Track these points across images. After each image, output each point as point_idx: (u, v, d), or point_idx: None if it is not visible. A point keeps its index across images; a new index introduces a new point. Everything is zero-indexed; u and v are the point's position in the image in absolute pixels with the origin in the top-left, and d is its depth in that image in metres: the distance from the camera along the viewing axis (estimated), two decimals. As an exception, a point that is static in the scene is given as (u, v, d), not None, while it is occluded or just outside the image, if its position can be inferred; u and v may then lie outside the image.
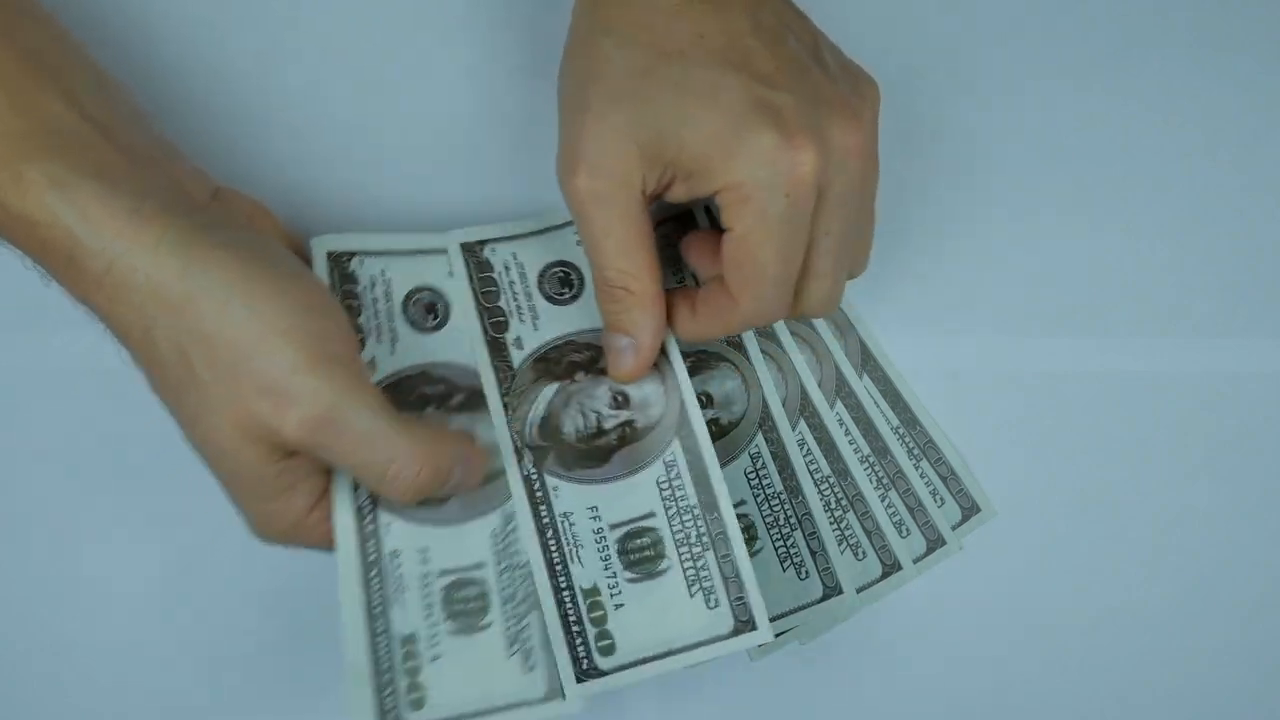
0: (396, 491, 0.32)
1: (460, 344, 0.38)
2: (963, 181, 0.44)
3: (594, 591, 0.36)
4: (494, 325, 0.39)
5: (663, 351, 0.38)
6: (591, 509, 0.37)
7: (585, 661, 0.35)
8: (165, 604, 0.41)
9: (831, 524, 0.42)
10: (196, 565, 0.41)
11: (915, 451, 0.43)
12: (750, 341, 0.43)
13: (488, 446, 0.37)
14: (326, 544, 0.34)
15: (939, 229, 0.44)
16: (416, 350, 0.38)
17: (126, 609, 0.41)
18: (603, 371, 0.38)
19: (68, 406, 0.41)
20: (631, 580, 0.36)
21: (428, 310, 0.38)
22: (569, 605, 0.36)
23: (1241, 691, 0.43)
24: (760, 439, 0.40)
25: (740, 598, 0.36)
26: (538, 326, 0.39)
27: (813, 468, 0.42)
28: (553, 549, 0.36)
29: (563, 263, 0.40)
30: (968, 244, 0.44)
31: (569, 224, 0.41)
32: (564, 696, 0.34)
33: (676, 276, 0.41)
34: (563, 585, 0.36)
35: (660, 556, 0.36)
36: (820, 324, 0.43)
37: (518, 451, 0.37)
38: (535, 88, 0.42)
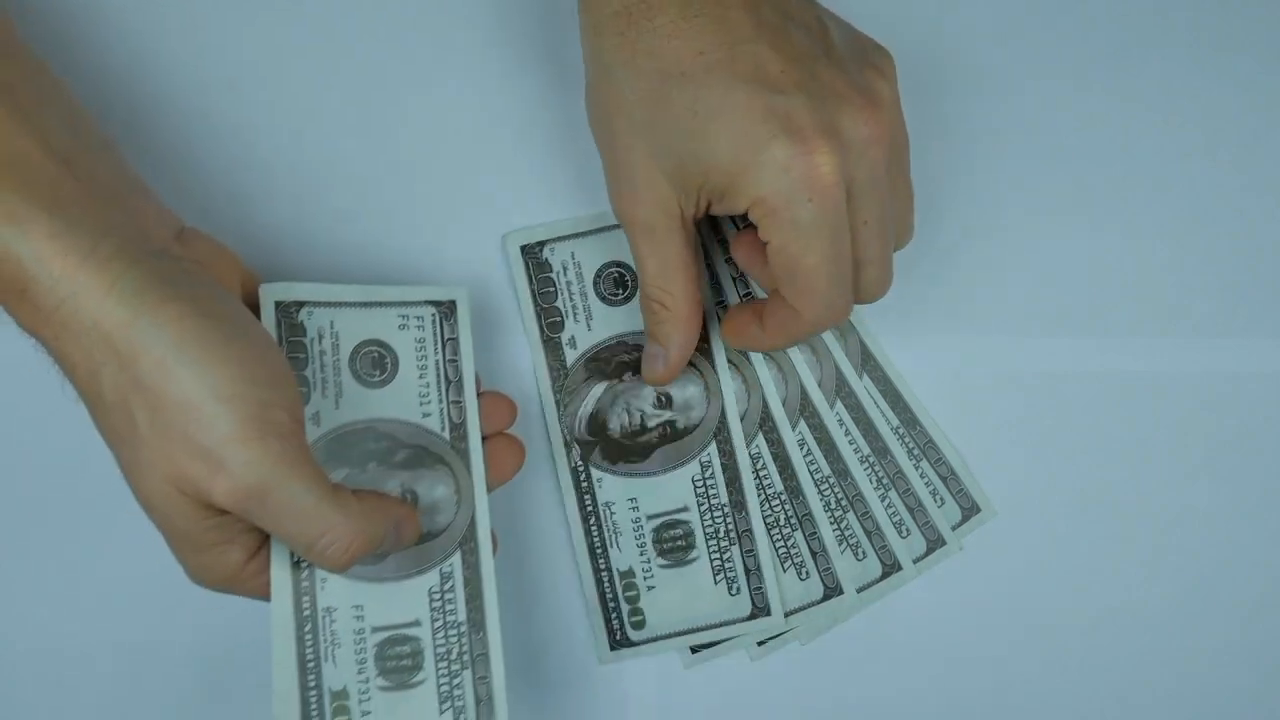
0: (327, 562, 0.32)
1: (408, 399, 0.38)
2: (963, 182, 0.44)
3: (629, 574, 0.40)
4: (550, 325, 0.42)
5: (710, 360, 0.42)
6: (631, 500, 0.41)
7: (619, 633, 0.40)
8: (166, 602, 0.41)
9: (832, 524, 0.42)
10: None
11: (915, 451, 0.43)
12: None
13: (427, 505, 0.37)
14: (263, 595, 0.34)
15: (939, 229, 0.44)
16: (362, 405, 0.37)
17: (127, 608, 0.41)
18: None
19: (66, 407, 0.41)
20: (664, 566, 0.40)
21: (375, 364, 0.38)
22: (606, 585, 0.40)
23: (1241, 691, 0.43)
24: (713, 448, 0.41)
25: (759, 588, 0.40)
26: (591, 327, 0.41)
27: (813, 468, 0.42)
28: (594, 534, 0.41)
29: (618, 263, 0.42)
30: (968, 244, 0.44)
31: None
32: None
33: (744, 292, 0.43)
34: (602, 567, 0.41)
35: (691, 547, 0.40)
36: (820, 324, 0.44)
37: (566, 445, 0.41)
38: (513, 130, 0.43)
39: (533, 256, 0.42)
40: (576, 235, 0.42)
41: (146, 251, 0.31)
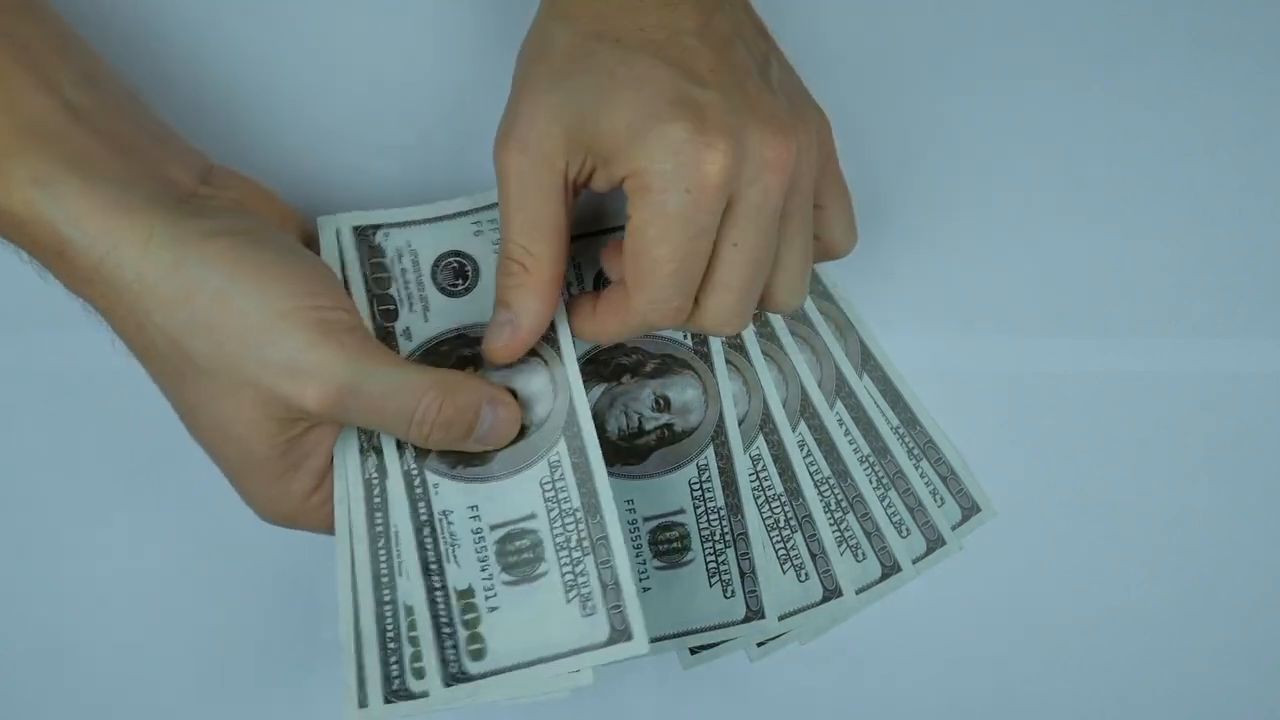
0: (426, 432, 0.33)
1: (493, 302, 0.38)
2: (963, 181, 0.44)
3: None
4: (383, 314, 0.39)
5: (709, 364, 0.41)
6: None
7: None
8: (165, 603, 0.41)
9: (831, 525, 0.42)
10: (196, 564, 0.41)
11: (915, 451, 0.43)
12: (751, 342, 0.43)
13: (526, 399, 0.37)
14: (326, 527, 0.35)
15: (939, 229, 0.44)
16: (450, 314, 0.38)
17: (127, 608, 0.41)
18: (648, 375, 0.41)
19: (66, 407, 0.41)
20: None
21: (457, 274, 0.38)
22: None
23: (1241, 691, 0.43)
24: (710, 452, 0.41)
25: (754, 591, 0.40)
26: (428, 319, 0.40)
27: (813, 469, 0.42)
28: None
29: (459, 253, 0.40)
30: (968, 244, 0.44)
31: (469, 212, 0.40)
32: (630, 638, 0.35)
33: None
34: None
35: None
36: (820, 324, 0.43)
37: None
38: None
39: (365, 239, 0.40)
40: (413, 223, 0.40)
41: (175, 197, 0.32)
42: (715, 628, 0.40)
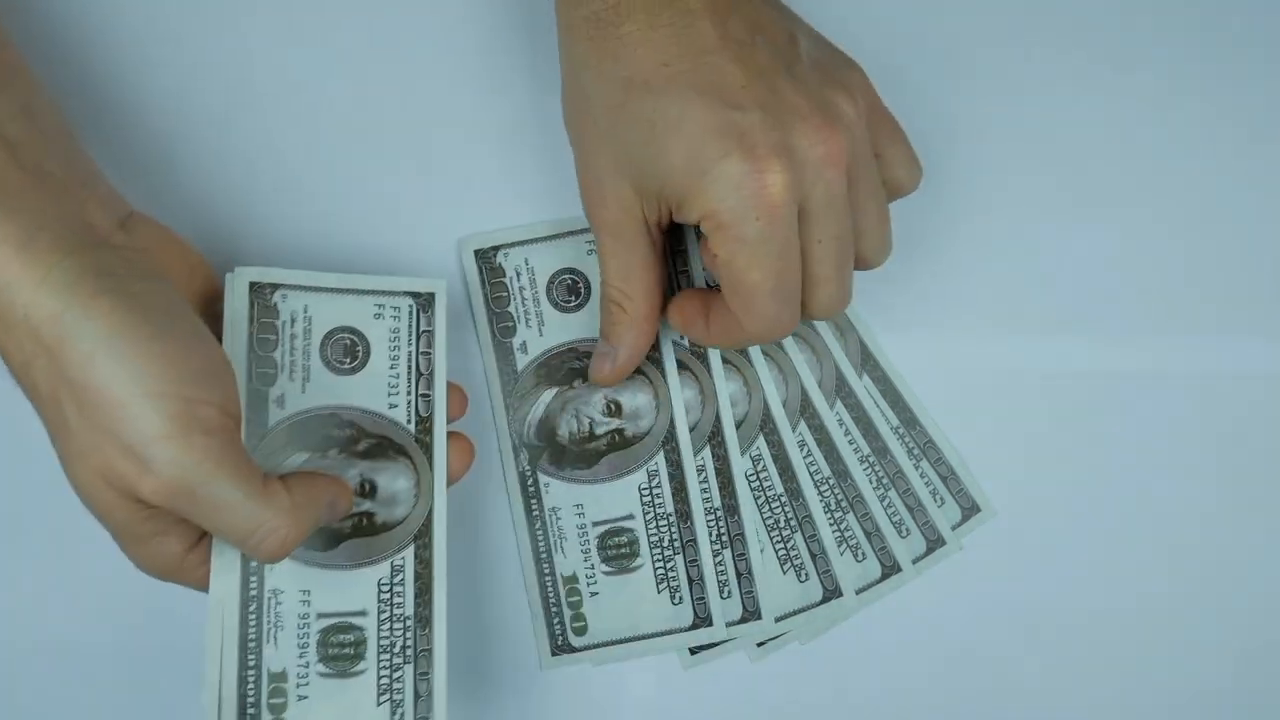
0: (261, 556, 0.32)
1: (376, 388, 0.38)
2: (962, 181, 0.44)
3: (573, 579, 0.41)
4: (502, 330, 0.42)
5: (661, 369, 0.41)
6: (578, 506, 0.41)
7: (561, 639, 0.40)
8: (165, 601, 0.41)
9: (831, 525, 0.42)
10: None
11: (915, 451, 0.43)
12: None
13: (386, 497, 0.37)
14: (205, 586, 0.35)
15: (939, 229, 0.44)
16: (329, 391, 0.37)
17: (127, 607, 0.41)
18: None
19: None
20: (607, 573, 0.40)
21: (346, 352, 0.38)
22: (550, 590, 0.41)
23: (1241, 691, 0.43)
24: (660, 458, 0.41)
25: (701, 598, 0.40)
26: (543, 333, 0.41)
27: (813, 469, 0.42)
28: (540, 539, 0.41)
29: (572, 270, 0.42)
30: (968, 244, 0.44)
31: (580, 231, 0.42)
32: None
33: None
34: (546, 572, 0.41)
35: (635, 555, 0.40)
36: (820, 324, 0.43)
37: (515, 449, 0.41)
38: (471, 126, 0.43)
39: (486, 261, 0.42)
40: (531, 241, 0.42)
41: (85, 243, 0.31)
42: (662, 634, 0.40)
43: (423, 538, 0.37)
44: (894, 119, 0.38)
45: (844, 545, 0.42)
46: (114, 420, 0.30)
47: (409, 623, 0.36)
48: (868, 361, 0.44)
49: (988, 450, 0.43)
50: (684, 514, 0.41)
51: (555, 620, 0.40)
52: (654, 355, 0.41)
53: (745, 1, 0.35)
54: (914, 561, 0.42)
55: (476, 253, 0.42)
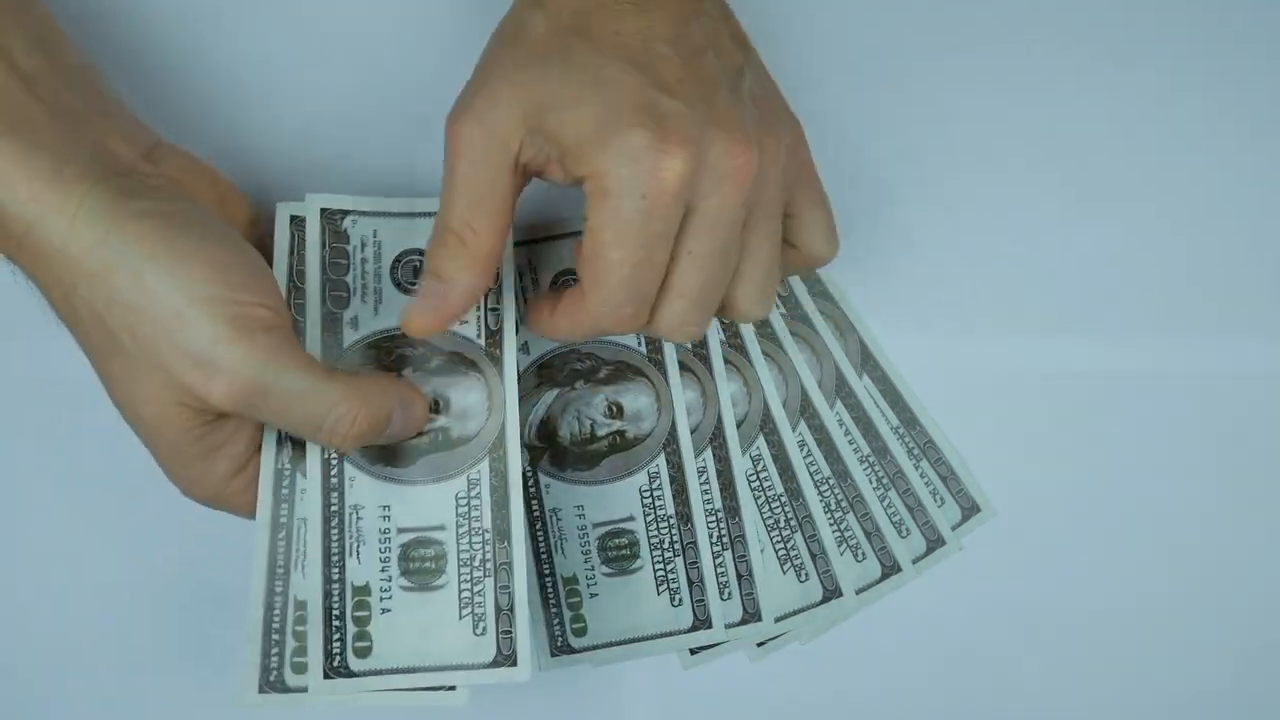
0: (336, 441, 0.33)
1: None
2: (962, 181, 0.44)
3: (573, 580, 0.40)
4: (334, 300, 0.39)
5: (663, 372, 0.41)
6: (578, 507, 0.41)
7: (561, 639, 0.40)
8: (165, 602, 0.41)
9: (831, 525, 0.42)
10: (196, 564, 0.41)
11: (915, 451, 0.43)
12: (751, 342, 0.43)
13: (459, 411, 0.37)
14: (248, 511, 0.35)
15: (939, 229, 0.44)
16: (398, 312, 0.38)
17: (125, 607, 0.41)
18: (601, 382, 0.41)
19: (65, 411, 0.41)
20: (608, 574, 0.40)
21: (417, 273, 0.38)
22: (550, 591, 0.40)
23: (1241, 691, 0.43)
24: (662, 460, 0.41)
25: (701, 600, 0.40)
26: (379, 311, 0.39)
27: (813, 469, 0.42)
28: (540, 540, 0.40)
29: (420, 252, 0.40)
30: (968, 244, 0.44)
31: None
32: (515, 664, 0.35)
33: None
34: (546, 573, 0.40)
35: (635, 556, 0.40)
36: (820, 324, 0.43)
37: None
38: None
39: (331, 223, 0.40)
40: (383, 214, 0.40)
41: (112, 171, 0.32)
42: (662, 636, 0.40)
43: (497, 450, 0.37)
44: (822, 188, 0.37)
45: (844, 545, 0.42)
46: (174, 333, 0.30)
47: (487, 536, 0.36)
48: (868, 361, 0.44)
49: (988, 450, 0.43)
50: (685, 516, 0.41)
51: (555, 621, 0.40)
52: (656, 357, 0.41)
53: (711, 19, 0.35)
54: (914, 561, 0.42)
55: (323, 211, 0.39)
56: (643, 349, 0.42)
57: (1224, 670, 0.43)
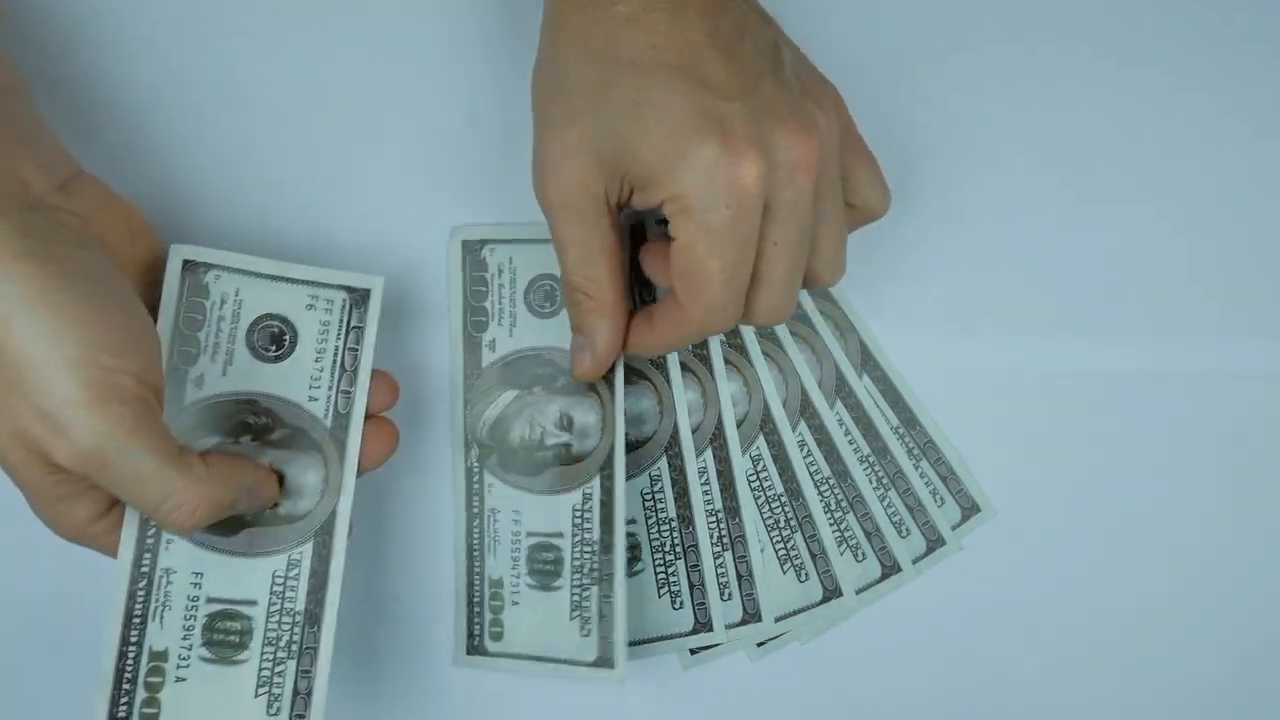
0: (172, 526, 0.32)
1: (299, 379, 0.37)
2: (962, 181, 0.44)
3: (499, 584, 0.40)
4: (475, 324, 0.41)
5: (612, 391, 0.40)
6: (516, 512, 0.40)
7: (477, 640, 0.40)
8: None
9: (831, 525, 0.42)
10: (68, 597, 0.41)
11: (915, 451, 0.43)
12: (751, 342, 0.43)
13: (294, 489, 0.37)
14: (113, 552, 0.35)
15: (939, 228, 0.44)
16: (250, 378, 0.37)
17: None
18: (558, 391, 0.41)
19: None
20: (531, 586, 0.40)
21: (273, 339, 0.37)
22: (476, 589, 0.40)
23: (1241, 691, 0.43)
24: (595, 483, 0.40)
25: (702, 602, 0.40)
26: (513, 334, 0.41)
27: (813, 469, 0.42)
28: (475, 537, 0.41)
29: (552, 277, 0.41)
30: (968, 244, 0.44)
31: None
32: None
33: (648, 297, 0.42)
34: (476, 570, 0.40)
35: (558, 574, 0.40)
36: (820, 324, 0.43)
37: (466, 444, 0.41)
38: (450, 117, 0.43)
39: (471, 253, 0.42)
40: (519, 241, 0.42)
41: (18, 204, 0.31)
42: (564, 662, 0.39)
43: (324, 534, 0.36)
44: (865, 144, 0.38)
45: (844, 545, 0.42)
46: (29, 384, 0.30)
47: (298, 618, 0.36)
48: (868, 361, 0.44)
49: (988, 450, 0.43)
50: (686, 518, 0.41)
51: (475, 620, 0.40)
52: (658, 360, 0.41)
53: (736, 3, 0.35)
54: (914, 561, 0.42)
55: (464, 244, 0.42)
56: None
57: (1224, 670, 0.43)
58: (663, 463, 0.41)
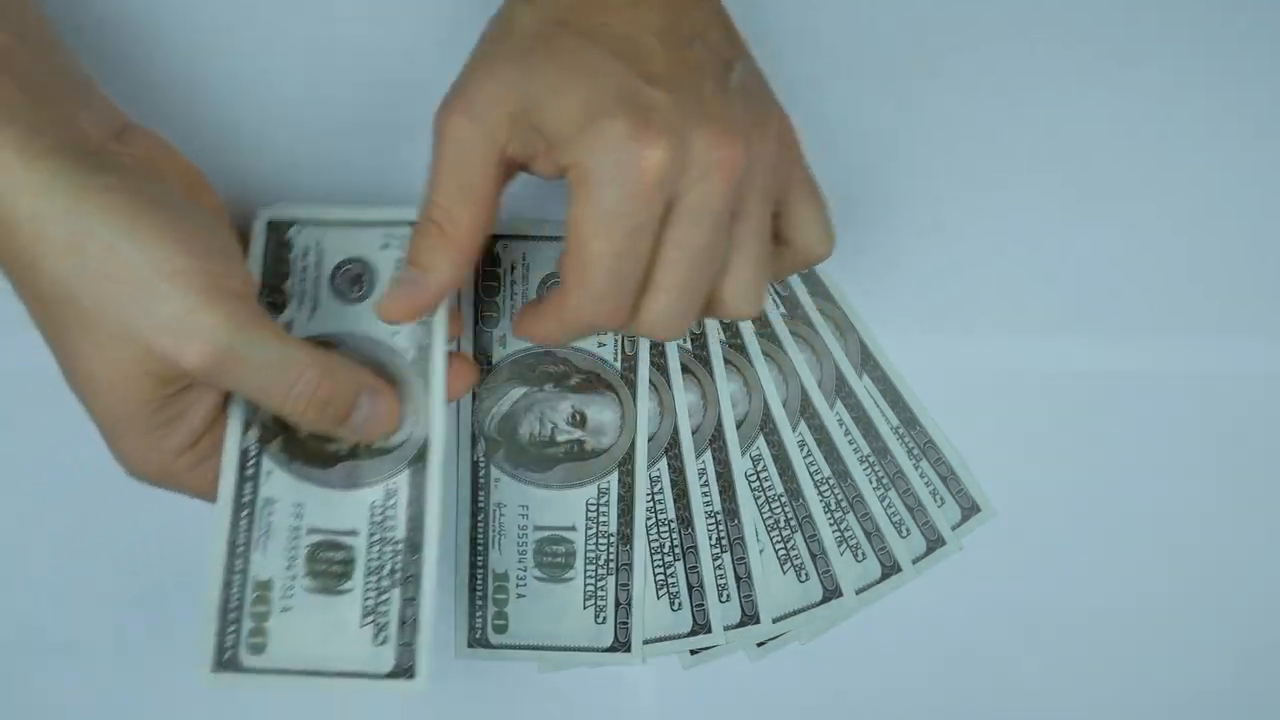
0: (300, 409, 0.33)
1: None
2: (962, 181, 0.44)
3: (504, 577, 0.41)
4: (485, 320, 0.42)
5: (634, 392, 0.41)
6: (523, 507, 0.41)
7: (480, 632, 0.40)
8: (164, 601, 0.41)
9: (831, 525, 0.42)
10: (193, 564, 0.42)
11: (915, 451, 0.43)
12: (751, 342, 0.43)
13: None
14: (197, 490, 0.35)
15: (939, 229, 0.44)
16: (335, 318, 0.38)
17: (126, 608, 0.41)
18: (571, 389, 0.41)
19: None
20: (539, 579, 0.41)
21: (353, 281, 0.38)
22: (479, 582, 0.41)
23: (1241, 691, 0.43)
24: (614, 477, 0.41)
25: (625, 622, 0.41)
26: (313, 317, 0.40)
27: (813, 469, 0.42)
28: (479, 531, 0.41)
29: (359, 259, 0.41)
30: (968, 244, 0.44)
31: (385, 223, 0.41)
32: (413, 676, 0.35)
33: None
34: (479, 564, 0.41)
35: (570, 566, 0.40)
36: (820, 324, 0.43)
37: (474, 438, 0.41)
38: None
39: (492, 256, 0.42)
40: (535, 238, 0.42)
41: (82, 149, 0.32)
42: (578, 649, 0.40)
43: (418, 463, 0.37)
44: (813, 180, 0.36)
45: (844, 545, 0.42)
46: (145, 300, 0.31)
47: (399, 547, 0.36)
48: (868, 361, 0.44)
49: (988, 450, 0.43)
50: (685, 520, 0.41)
51: (478, 613, 0.41)
52: (629, 376, 0.41)
53: (703, 13, 0.35)
54: (914, 561, 0.42)
55: (498, 237, 0.41)
56: (617, 365, 0.41)
57: (1224, 670, 0.43)
58: (662, 464, 0.41)
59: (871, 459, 0.43)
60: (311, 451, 0.37)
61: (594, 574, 0.40)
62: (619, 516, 0.41)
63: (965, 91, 0.45)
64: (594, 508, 0.41)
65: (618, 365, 0.41)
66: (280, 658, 0.35)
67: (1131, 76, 0.45)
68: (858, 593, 0.42)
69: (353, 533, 0.37)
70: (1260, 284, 0.45)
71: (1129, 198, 0.45)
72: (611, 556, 0.40)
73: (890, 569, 0.42)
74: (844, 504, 0.42)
